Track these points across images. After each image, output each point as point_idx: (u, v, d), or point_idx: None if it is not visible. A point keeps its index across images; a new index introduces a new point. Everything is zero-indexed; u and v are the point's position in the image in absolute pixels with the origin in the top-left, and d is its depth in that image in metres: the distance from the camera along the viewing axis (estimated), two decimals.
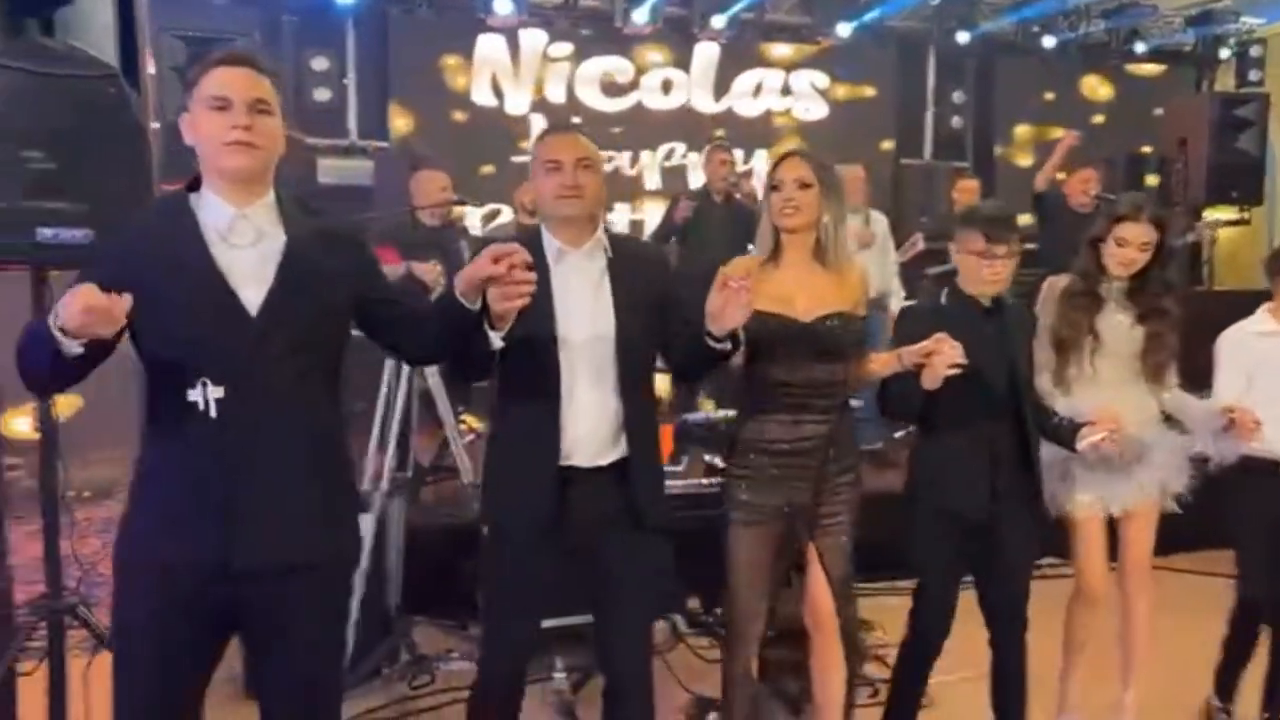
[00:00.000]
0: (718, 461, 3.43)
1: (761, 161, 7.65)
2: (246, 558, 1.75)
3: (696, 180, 6.84)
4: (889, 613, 3.65)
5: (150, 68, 2.68)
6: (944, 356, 2.32)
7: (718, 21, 7.27)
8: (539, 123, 7.26)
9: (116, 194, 2.29)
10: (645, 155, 7.52)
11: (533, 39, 7.20)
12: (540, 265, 2.13)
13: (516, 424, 2.27)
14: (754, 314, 2.27)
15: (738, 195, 5.57)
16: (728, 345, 2.13)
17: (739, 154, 7.47)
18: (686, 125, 7.54)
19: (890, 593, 3.65)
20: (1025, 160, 8.17)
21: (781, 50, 7.77)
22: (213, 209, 1.81)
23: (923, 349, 2.35)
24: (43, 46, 2.27)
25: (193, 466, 1.76)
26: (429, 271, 4.27)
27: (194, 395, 1.74)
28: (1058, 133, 6.90)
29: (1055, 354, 2.83)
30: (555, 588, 2.30)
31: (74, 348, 1.58)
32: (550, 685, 3.21)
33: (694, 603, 3.77)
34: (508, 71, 7.20)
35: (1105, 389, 2.82)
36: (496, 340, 1.95)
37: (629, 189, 7.49)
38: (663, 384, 3.06)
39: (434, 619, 3.75)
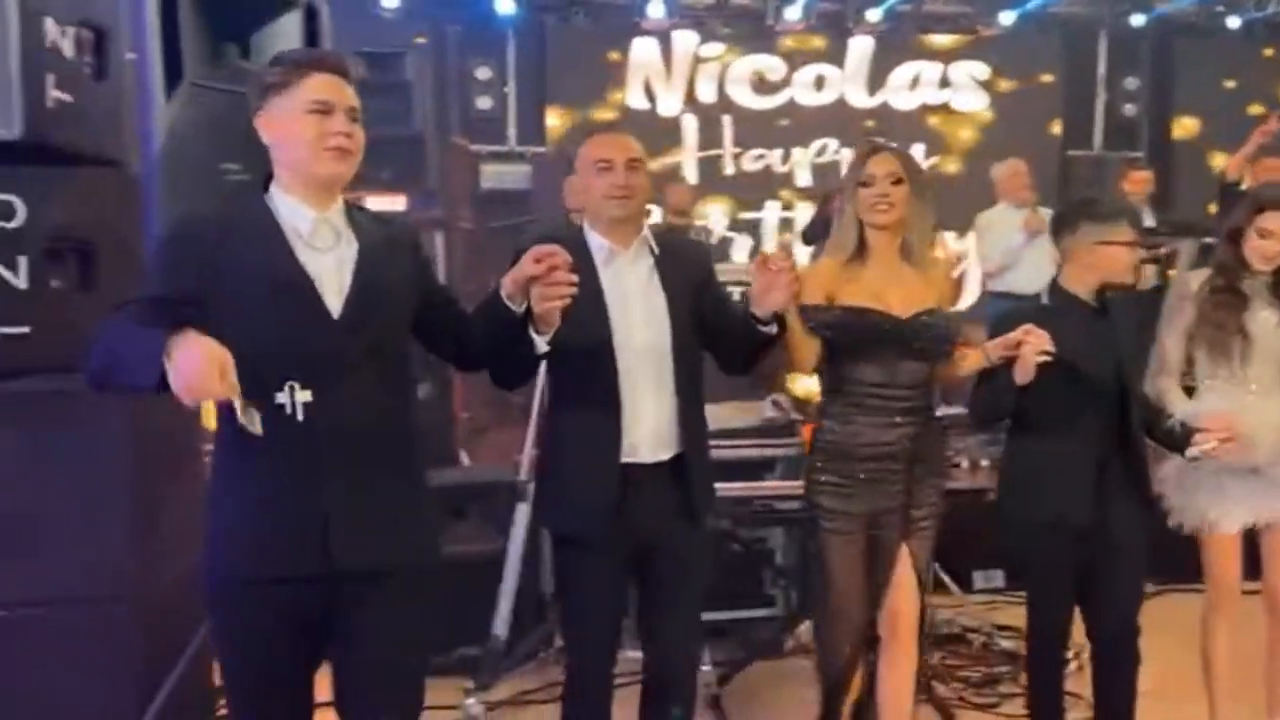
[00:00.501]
0: None
1: (919, 156, 7.48)
2: (344, 560, 1.74)
3: None
4: None
5: None
6: (1032, 345, 2.24)
7: (873, 15, 7.17)
8: (690, 123, 7.36)
9: None
10: (797, 152, 7.48)
11: (685, 40, 7.29)
12: (588, 267, 2.14)
13: (575, 426, 2.26)
14: (845, 308, 2.29)
15: None
16: (773, 328, 2.11)
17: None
18: (839, 121, 7.46)
19: None
20: (1205, 148, 7.68)
21: (939, 41, 7.58)
22: (293, 211, 1.78)
23: (1010, 340, 2.28)
24: (240, 68, 2.49)
25: (283, 472, 1.73)
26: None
27: (281, 398, 1.71)
28: (1250, 118, 6.46)
29: (1207, 355, 2.66)
30: (624, 583, 2.31)
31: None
32: (699, 678, 3.26)
33: None
34: (660, 74, 7.31)
35: (1252, 392, 2.64)
36: (542, 344, 1.94)
37: (779, 186, 7.48)
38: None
39: None
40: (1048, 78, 7.67)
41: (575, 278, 1.87)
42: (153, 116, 2.37)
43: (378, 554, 1.77)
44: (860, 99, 7.52)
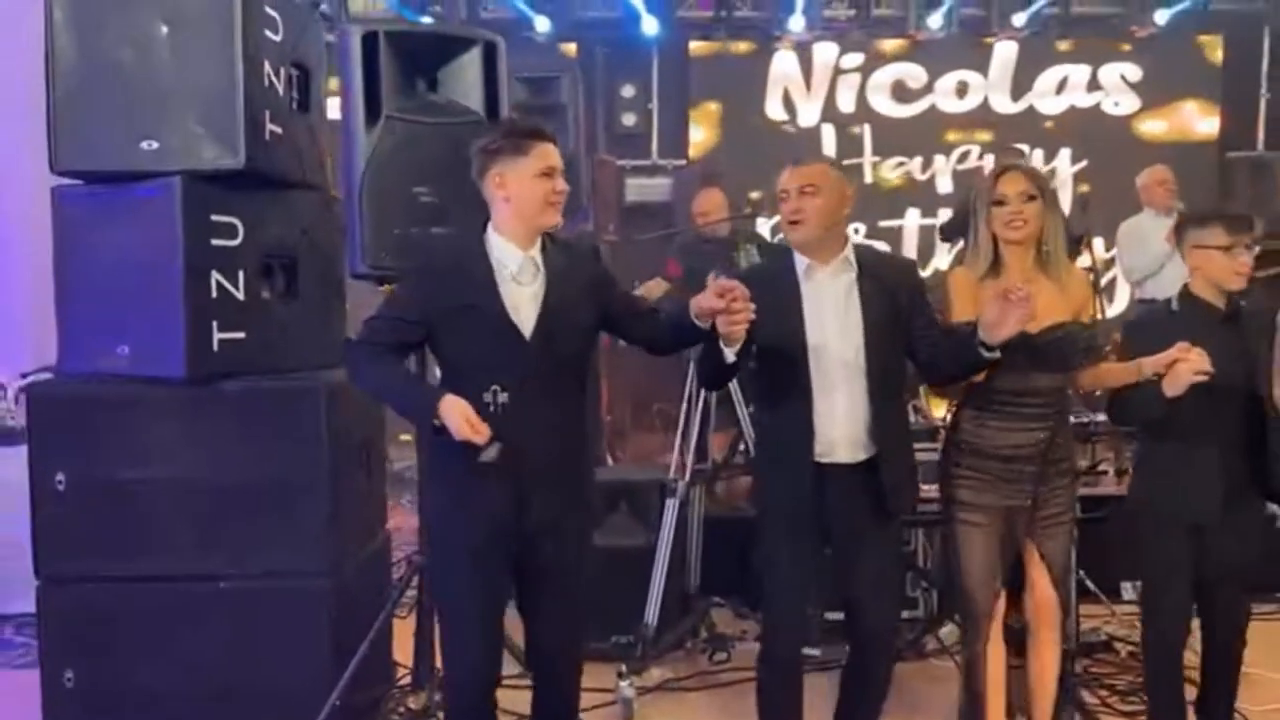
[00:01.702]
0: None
1: (1065, 160, 7.34)
2: (527, 518, 2.25)
3: None
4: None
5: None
6: (1190, 365, 2.30)
7: (1018, 20, 7.08)
8: (829, 133, 7.42)
9: (481, 220, 2.74)
10: (938, 159, 7.44)
11: (825, 52, 7.36)
12: (790, 280, 2.43)
13: (776, 423, 2.51)
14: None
15: None
16: (997, 354, 2.24)
17: (1039, 154, 7.25)
18: (982, 127, 7.38)
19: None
20: None
21: (1089, 44, 7.40)
22: (506, 252, 2.26)
23: (1167, 359, 2.34)
24: (428, 101, 2.77)
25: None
26: (653, 289, 4.70)
27: (487, 398, 2.19)
28: None
29: None
30: (820, 574, 2.54)
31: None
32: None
33: None
34: (799, 86, 7.41)
35: None
36: (730, 355, 2.27)
37: (921, 193, 7.45)
38: None
39: (730, 602, 4.01)
40: (1205, 77, 7.38)
41: (751, 307, 2.16)
42: (356, 146, 2.66)
43: (549, 514, 2.28)
44: (1004, 104, 7.42)
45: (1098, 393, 2.83)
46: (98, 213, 2.72)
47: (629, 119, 7.04)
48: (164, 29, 2.68)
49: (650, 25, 6.98)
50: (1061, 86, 7.40)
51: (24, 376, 5.16)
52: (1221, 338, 2.47)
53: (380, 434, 3.36)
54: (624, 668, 3.27)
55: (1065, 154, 7.33)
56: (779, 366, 2.42)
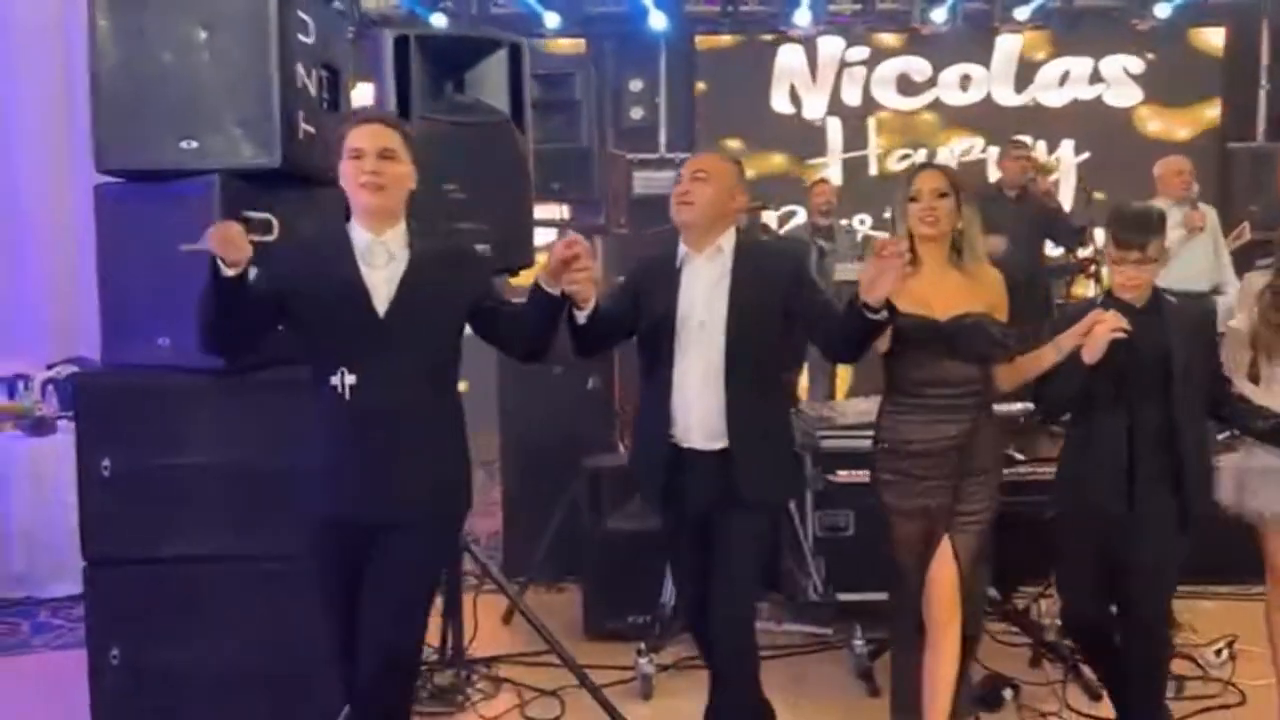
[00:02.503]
0: (1016, 454, 3.55)
1: (1069, 152, 7.44)
2: (372, 510, 2.20)
3: (995, 176, 6.81)
4: (1203, 615, 3.65)
5: None
6: (1105, 324, 2.36)
7: (1021, 13, 7.17)
8: (835, 125, 7.52)
9: (507, 214, 2.87)
10: (942, 152, 7.54)
11: (830, 46, 7.46)
12: (671, 267, 2.50)
13: (643, 403, 2.61)
14: (900, 314, 2.40)
15: (1038, 191, 5.53)
16: (884, 314, 2.25)
17: (1042, 145, 7.35)
18: (985, 120, 7.48)
19: (1204, 596, 3.77)
20: None
21: (1091, 37, 7.49)
22: (357, 234, 2.26)
23: (1083, 326, 2.40)
24: (456, 101, 2.89)
25: (331, 437, 2.23)
26: None
27: (334, 380, 2.18)
28: None
29: (1250, 353, 2.70)
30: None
31: (226, 270, 2.10)
32: (851, 650, 3.48)
33: (992, 590, 3.90)
34: (805, 80, 7.51)
35: None
36: (582, 317, 2.31)
37: None
38: None
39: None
40: (1206, 69, 7.47)
41: (590, 262, 2.22)
42: None
43: (398, 506, 2.22)
44: (1007, 97, 7.52)
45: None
46: (140, 209, 2.82)
47: (637, 112, 7.15)
48: (203, 33, 2.78)
49: (658, 20, 7.08)
50: (1064, 79, 7.50)
51: (49, 368, 5.29)
52: (1140, 329, 2.47)
53: None
54: (642, 645, 3.40)
55: (1068, 146, 7.44)
56: (649, 348, 2.52)
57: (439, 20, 6.86)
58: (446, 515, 2.37)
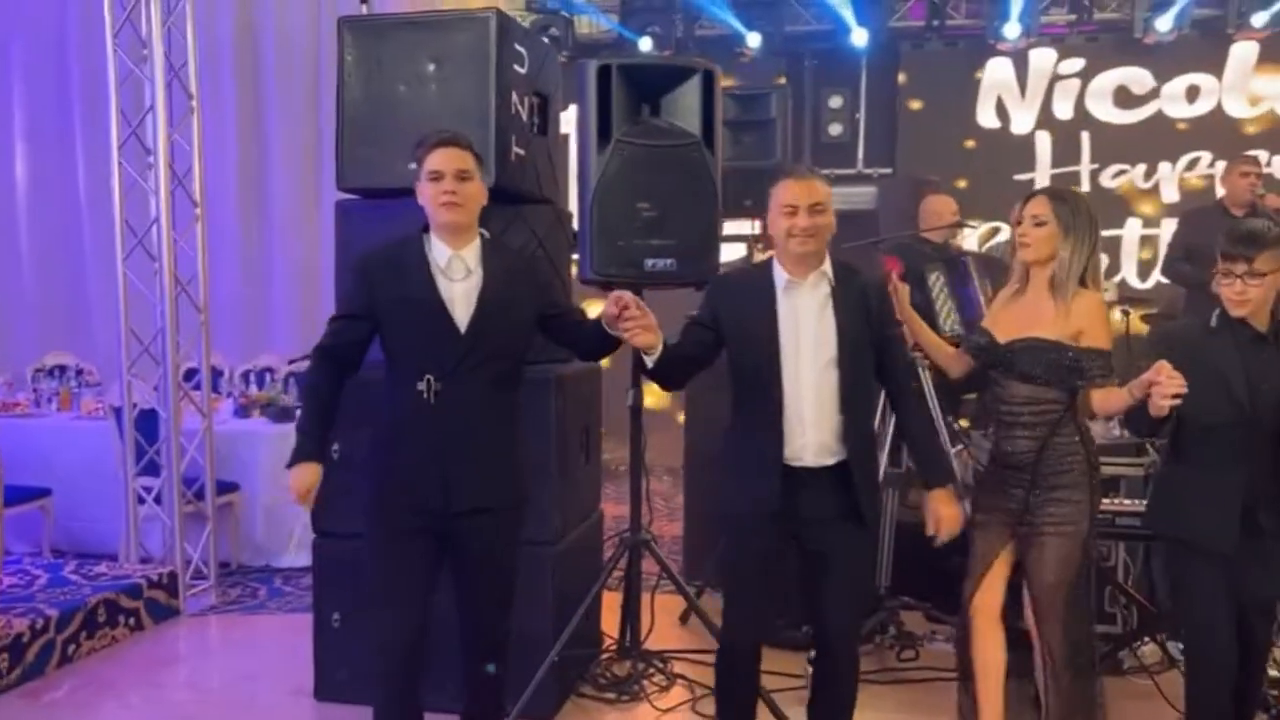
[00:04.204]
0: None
1: None
2: (451, 501, 2.37)
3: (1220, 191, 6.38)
4: None
5: None
6: (1161, 387, 2.28)
7: (1259, 19, 6.67)
8: (1044, 140, 7.26)
9: (696, 233, 3.03)
10: (1163, 167, 7.12)
11: (1041, 58, 7.21)
12: (769, 294, 2.46)
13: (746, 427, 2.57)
14: (981, 333, 2.72)
15: (1267, 209, 5.15)
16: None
17: (1279, 161, 6.81)
18: (1215, 133, 7.01)
19: None
20: None
21: None
22: (437, 249, 2.40)
23: (1145, 382, 2.32)
24: (652, 125, 3.07)
25: (414, 437, 2.39)
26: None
27: (420, 386, 2.34)
28: None
29: None
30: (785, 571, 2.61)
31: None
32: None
33: None
34: (1013, 93, 7.29)
35: None
36: (648, 361, 2.42)
37: (1143, 203, 7.16)
38: None
39: (922, 606, 4.11)
40: None
41: (647, 314, 2.34)
42: (589, 167, 3.00)
43: (475, 498, 2.40)
44: (1240, 109, 7.01)
45: None
46: (373, 223, 3.18)
47: (835, 129, 7.17)
48: (431, 66, 3.12)
49: (860, 37, 7.08)
50: None
51: (291, 363, 5.93)
52: (1250, 358, 2.43)
53: (597, 423, 3.70)
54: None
55: None
56: (749, 373, 2.49)
57: (645, 44, 7.15)
58: (516, 501, 2.55)
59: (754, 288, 2.51)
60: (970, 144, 7.33)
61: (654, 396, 5.00)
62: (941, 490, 2.54)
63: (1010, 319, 2.68)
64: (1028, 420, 2.63)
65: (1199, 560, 2.54)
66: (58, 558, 4.65)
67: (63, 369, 6.20)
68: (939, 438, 3.08)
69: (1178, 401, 2.29)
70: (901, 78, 7.38)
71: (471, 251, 2.43)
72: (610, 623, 3.66)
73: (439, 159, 2.38)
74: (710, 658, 3.56)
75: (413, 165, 2.44)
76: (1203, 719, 2.60)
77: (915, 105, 7.39)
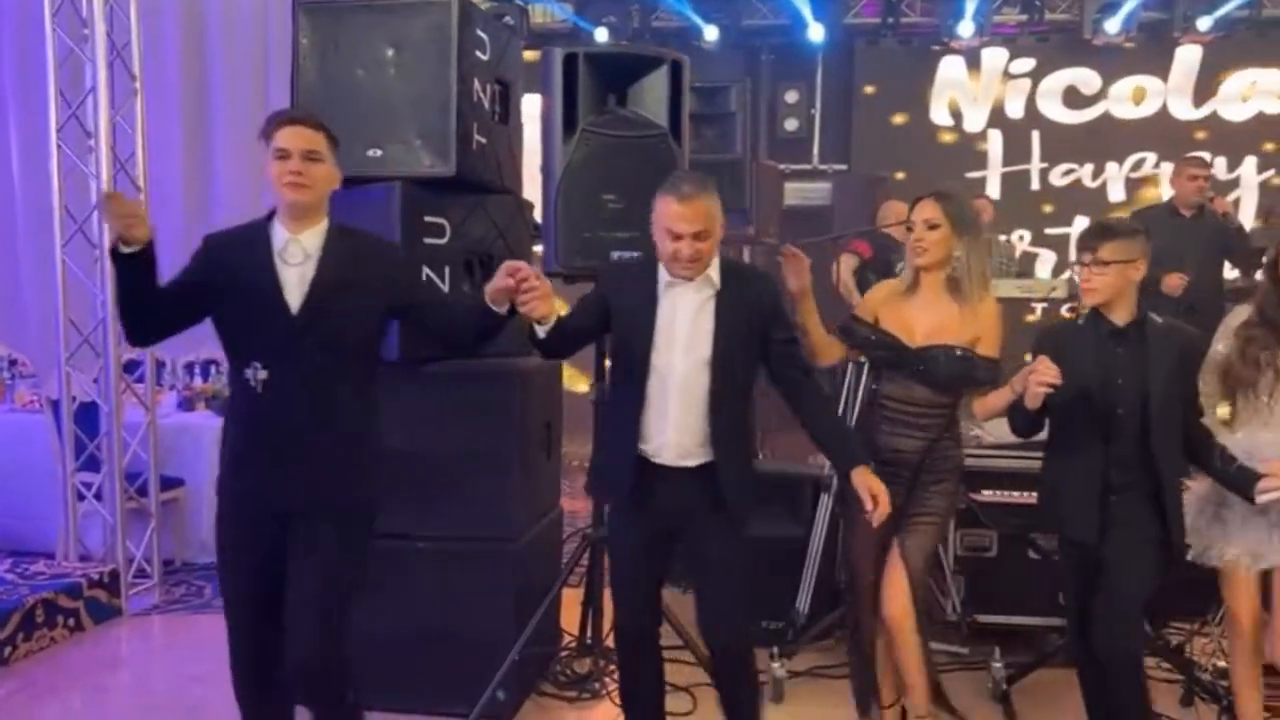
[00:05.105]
0: None
1: (1250, 169, 7.04)
2: (283, 499, 2.24)
3: (1169, 192, 6.52)
4: None
5: None
6: (1037, 375, 2.39)
7: (1203, 23, 6.83)
8: (995, 138, 7.35)
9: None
10: (1110, 167, 7.26)
11: (993, 58, 7.30)
12: (651, 290, 2.43)
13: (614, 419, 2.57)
14: (874, 329, 2.70)
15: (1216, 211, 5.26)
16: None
17: (1221, 161, 6.98)
18: (1160, 134, 7.16)
19: None
20: None
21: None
22: (276, 232, 2.27)
23: (1023, 376, 2.42)
24: (619, 116, 3.02)
25: (243, 429, 2.29)
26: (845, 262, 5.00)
27: (248, 373, 2.23)
28: None
29: (1223, 388, 2.65)
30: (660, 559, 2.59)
31: (122, 247, 2.12)
32: (990, 673, 3.43)
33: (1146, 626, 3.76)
34: (966, 91, 7.37)
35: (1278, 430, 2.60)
36: (541, 331, 2.31)
37: (1090, 202, 7.29)
38: None
39: None
40: None
41: (543, 284, 2.23)
42: (554, 157, 2.94)
43: (308, 493, 2.26)
44: (1185, 111, 7.17)
45: None
46: (331, 212, 3.08)
47: (791, 124, 7.19)
48: (390, 51, 3.03)
49: (816, 32, 7.10)
50: (1249, 92, 7.09)
51: None
52: (1112, 353, 2.51)
53: (559, 419, 3.64)
54: (775, 650, 3.45)
55: (1251, 162, 7.03)
56: (624, 362, 2.46)
57: (601, 34, 7.09)
58: (362, 507, 2.37)
59: (639, 282, 2.48)
60: (924, 141, 7.40)
61: None
62: (862, 466, 2.45)
63: (917, 321, 2.67)
64: (922, 422, 2.68)
65: (1070, 549, 2.65)
66: None
67: None
68: (844, 422, 3.11)
69: (1050, 390, 2.39)
70: (857, 74, 7.43)
71: (313, 236, 2.29)
72: (570, 620, 3.61)
73: (286, 137, 2.24)
74: (671, 654, 3.56)
75: (261, 140, 2.30)
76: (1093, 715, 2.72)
77: (870, 102, 7.44)
